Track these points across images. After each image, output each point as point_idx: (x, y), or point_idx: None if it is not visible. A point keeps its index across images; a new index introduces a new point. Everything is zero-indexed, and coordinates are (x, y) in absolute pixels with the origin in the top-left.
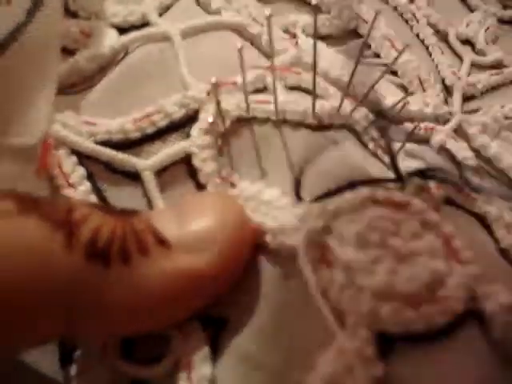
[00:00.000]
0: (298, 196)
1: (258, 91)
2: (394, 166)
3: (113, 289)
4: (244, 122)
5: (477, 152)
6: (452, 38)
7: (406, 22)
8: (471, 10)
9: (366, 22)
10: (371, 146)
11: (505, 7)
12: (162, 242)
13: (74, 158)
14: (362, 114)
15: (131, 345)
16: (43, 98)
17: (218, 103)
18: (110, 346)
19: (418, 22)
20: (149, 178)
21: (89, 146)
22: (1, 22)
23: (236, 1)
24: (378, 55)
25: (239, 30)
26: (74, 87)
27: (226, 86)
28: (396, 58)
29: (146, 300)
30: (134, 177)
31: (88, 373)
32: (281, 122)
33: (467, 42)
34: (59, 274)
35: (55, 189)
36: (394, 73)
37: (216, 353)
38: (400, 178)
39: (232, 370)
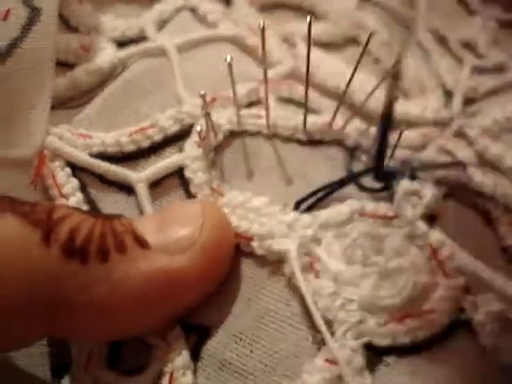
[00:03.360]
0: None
1: (251, 104)
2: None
3: (91, 287)
4: (236, 135)
5: (478, 154)
6: (452, 42)
7: (406, 27)
8: (472, 13)
9: (365, 30)
10: (364, 158)
11: (505, 10)
12: (140, 242)
13: (68, 170)
14: (354, 127)
15: (116, 355)
16: (39, 110)
17: (209, 115)
18: (95, 356)
19: (417, 27)
20: (142, 191)
21: (83, 158)
22: None
23: (235, 11)
24: (377, 61)
25: (236, 42)
26: (72, 101)
27: (218, 100)
28: (394, 65)
29: (126, 299)
30: (127, 189)
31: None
32: (272, 135)
33: (468, 45)
34: (36, 271)
35: (49, 199)
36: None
37: (198, 360)
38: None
39: (213, 377)
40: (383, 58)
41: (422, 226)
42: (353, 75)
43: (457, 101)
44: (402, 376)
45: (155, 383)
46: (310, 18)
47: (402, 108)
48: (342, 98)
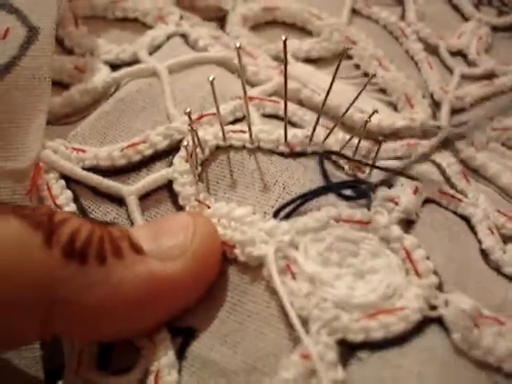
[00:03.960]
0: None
1: (237, 120)
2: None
3: (89, 288)
4: (222, 150)
5: (464, 163)
6: (442, 51)
7: (396, 39)
8: (465, 18)
9: (355, 44)
10: (346, 168)
11: (500, 14)
12: (136, 248)
13: (62, 182)
14: (337, 139)
15: (106, 357)
16: (35, 124)
17: (195, 131)
18: (85, 358)
19: (407, 38)
20: (132, 202)
21: (77, 171)
22: None
23: (229, 31)
24: (366, 74)
25: (225, 63)
26: (67, 118)
27: (206, 116)
28: (371, 77)
29: (121, 301)
30: (118, 201)
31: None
32: (255, 149)
33: (460, 53)
34: (37, 271)
35: None
36: (383, 91)
37: (183, 360)
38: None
39: (197, 375)
40: (372, 71)
41: (396, 229)
42: (331, 86)
43: (444, 111)
44: (373, 369)
45: (142, 382)
46: (285, 38)
47: (389, 120)
48: (320, 111)
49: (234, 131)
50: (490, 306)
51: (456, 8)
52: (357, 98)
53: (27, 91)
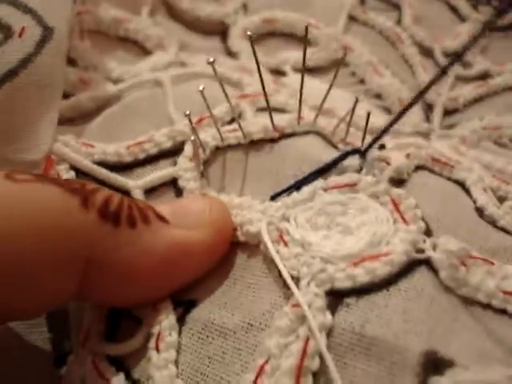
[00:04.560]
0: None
1: (233, 120)
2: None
3: (121, 248)
4: (221, 150)
5: None
6: (437, 54)
7: (393, 44)
8: (463, 19)
9: (352, 52)
10: (341, 146)
11: (497, 13)
12: (160, 217)
13: (72, 173)
14: (327, 121)
15: (113, 335)
16: (48, 119)
17: (195, 130)
18: (93, 331)
19: (402, 42)
20: (138, 196)
21: (87, 164)
22: (13, 52)
23: (232, 44)
24: (362, 81)
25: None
26: (71, 122)
27: (205, 119)
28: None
29: (149, 263)
30: (124, 193)
31: (71, 356)
32: (249, 144)
33: (455, 54)
34: (77, 231)
35: None
36: (378, 96)
37: (183, 325)
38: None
39: (196, 336)
40: (367, 78)
41: (383, 184)
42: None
43: (437, 113)
44: (360, 312)
45: (144, 347)
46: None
47: (382, 124)
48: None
49: (229, 131)
50: (482, 251)
51: (453, 9)
52: (331, 86)
53: (41, 87)
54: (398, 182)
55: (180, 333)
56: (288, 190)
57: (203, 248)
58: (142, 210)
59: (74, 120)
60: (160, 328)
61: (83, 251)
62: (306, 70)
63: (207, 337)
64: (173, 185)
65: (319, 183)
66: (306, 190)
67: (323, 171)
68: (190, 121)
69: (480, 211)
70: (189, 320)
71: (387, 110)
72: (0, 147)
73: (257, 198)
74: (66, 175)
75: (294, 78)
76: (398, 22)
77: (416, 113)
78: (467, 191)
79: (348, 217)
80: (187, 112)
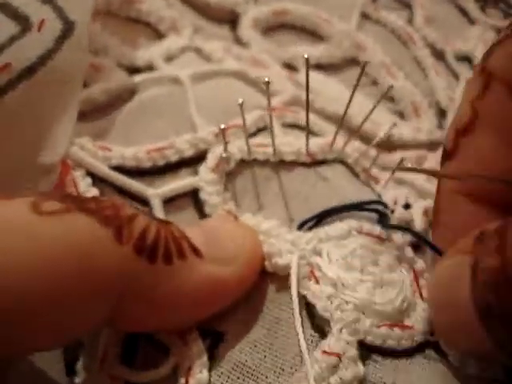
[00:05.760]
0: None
1: (259, 130)
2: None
3: (157, 285)
4: (246, 163)
5: None
6: (449, 57)
7: (404, 43)
8: (472, 22)
9: (365, 51)
10: (362, 176)
11: (506, 16)
12: (195, 250)
13: (89, 180)
14: (354, 147)
15: (131, 355)
16: (66, 120)
17: (226, 145)
18: (111, 353)
19: (415, 43)
20: (157, 205)
21: (104, 170)
22: (31, 48)
23: (242, 34)
24: (375, 82)
25: (240, 76)
26: (85, 116)
27: (230, 128)
28: (385, 93)
29: (182, 299)
30: (142, 201)
31: (89, 380)
32: (278, 163)
33: (466, 58)
34: (110, 266)
35: None
36: (391, 98)
37: (212, 362)
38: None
39: (225, 375)
40: (380, 79)
41: (409, 252)
42: (350, 101)
43: (450, 119)
44: (388, 371)
45: (170, 379)
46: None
47: (397, 131)
48: (341, 122)
49: (257, 145)
50: None
51: (463, 11)
52: (372, 110)
53: (60, 86)
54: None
55: (209, 369)
56: (314, 219)
57: (235, 281)
58: (177, 241)
59: (86, 114)
60: (191, 363)
61: (116, 287)
62: (319, 67)
63: (238, 378)
64: (192, 195)
65: (353, 224)
66: (340, 226)
67: (350, 208)
68: (223, 135)
69: None
70: (217, 356)
71: (400, 114)
72: (15, 149)
73: (283, 223)
74: (82, 182)
75: (309, 77)
76: (409, 21)
77: (430, 118)
78: None
79: (379, 268)
80: (222, 126)
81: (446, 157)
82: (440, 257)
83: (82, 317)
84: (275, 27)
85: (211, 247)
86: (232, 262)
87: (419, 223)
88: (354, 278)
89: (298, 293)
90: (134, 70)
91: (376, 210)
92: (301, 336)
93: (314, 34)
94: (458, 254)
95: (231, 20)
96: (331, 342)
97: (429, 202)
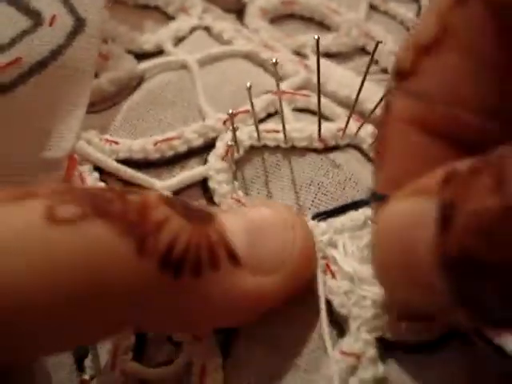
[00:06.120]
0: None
1: (270, 115)
2: None
3: (180, 300)
4: (256, 150)
5: None
6: None
7: None
8: None
9: (374, 40)
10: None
11: None
12: (233, 257)
13: (96, 175)
14: (367, 132)
15: (141, 349)
16: (75, 116)
17: (235, 132)
18: (121, 350)
19: None
20: None
21: (111, 164)
22: (42, 42)
23: (248, 25)
24: (385, 71)
25: (251, 57)
26: (94, 106)
27: (239, 114)
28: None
29: (211, 314)
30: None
31: (100, 377)
32: (290, 149)
33: None
34: (127, 282)
35: None
36: None
37: (227, 358)
38: None
39: (237, 372)
40: (390, 68)
41: None
42: (362, 84)
43: None
44: (410, 368)
45: (182, 376)
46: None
47: None
48: (353, 107)
49: (267, 131)
50: None
51: None
52: (384, 96)
53: (70, 82)
54: None
55: (224, 367)
56: (331, 214)
57: (275, 295)
58: (212, 249)
59: (95, 104)
60: (204, 361)
61: (137, 300)
62: (328, 55)
63: (250, 374)
64: (201, 184)
65: (368, 212)
66: (356, 216)
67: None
68: (232, 121)
69: None
70: (231, 353)
71: None
72: (24, 144)
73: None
74: (89, 177)
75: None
76: (418, 14)
77: None
78: None
79: None
80: (230, 111)
81: (402, 76)
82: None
83: (92, 329)
84: (282, 17)
85: (254, 250)
86: (276, 271)
87: None
88: (370, 270)
89: (312, 289)
90: (143, 55)
91: None
92: (327, 338)
93: (321, 25)
94: (414, 196)
95: (237, 10)
96: (350, 342)
97: None
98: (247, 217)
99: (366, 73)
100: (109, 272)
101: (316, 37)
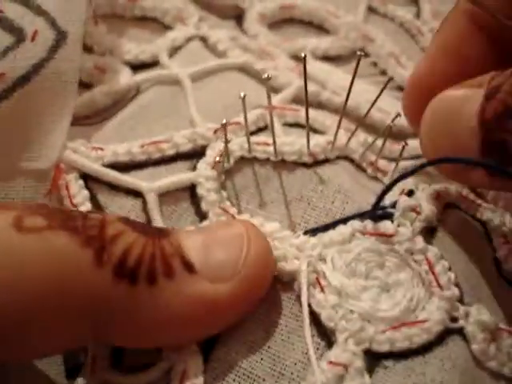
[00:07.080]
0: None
1: (260, 129)
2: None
3: (137, 308)
4: (246, 161)
5: None
6: None
7: (413, 36)
8: None
9: (373, 42)
10: (370, 170)
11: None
12: (188, 266)
13: (81, 182)
14: (358, 141)
15: (120, 355)
16: (59, 127)
17: (227, 143)
18: (100, 357)
19: (423, 35)
20: (152, 200)
21: (96, 167)
22: (25, 57)
23: (248, 28)
24: (384, 72)
25: (245, 69)
26: (87, 119)
27: (230, 126)
28: (386, 84)
29: (168, 321)
30: (134, 193)
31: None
32: (279, 162)
33: None
34: (86, 289)
35: None
36: (401, 88)
37: (207, 362)
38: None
39: (220, 378)
40: (389, 69)
41: (419, 242)
42: (350, 87)
43: None
44: (398, 377)
45: (160, 380)
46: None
47: (404, 121)
48: (342, 112)
49: (258, 143)
50: (501, 318)
51: None
52: (376, 100)
53: (53, 94)
54: (429, 229)
55: (204, 371)
56: (322, 230)
57: (233, 303)
58: (166, 259)
59: (90, 117)
60: (185, 367)
61: (94, 309)
62: (327, 58)
63: (233, 380)
64: (189, 190)
65: (357, 225)
66: (344, 229)
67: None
68: (225, 131)
69: (498, 262)
70: (212, 358)
71: None
72: (10, 156)
73: (286, 226)
74: (74, 184)
75: (315, 66)
76: (417, 16)
77: None
78: (489, 233)
79: (385, 271)
80: (224, 121)
81: None
82: None
83: (55, 336)
84: (281, 22)
85: (210, 259)
86: (232, 278)
87: (427, 207)
88: (358, 285)
89: (300, 300)
90: (139, 66)
91: (385, 214)
92: (310, 348)
93: (320, 28)
94: (466, 87)
95: (235, 16)
96: (337, 353)
97: (438, 187)
98: (205, 232)
99: (355, 72)
100: (70, 279)
101: (303, 54)
